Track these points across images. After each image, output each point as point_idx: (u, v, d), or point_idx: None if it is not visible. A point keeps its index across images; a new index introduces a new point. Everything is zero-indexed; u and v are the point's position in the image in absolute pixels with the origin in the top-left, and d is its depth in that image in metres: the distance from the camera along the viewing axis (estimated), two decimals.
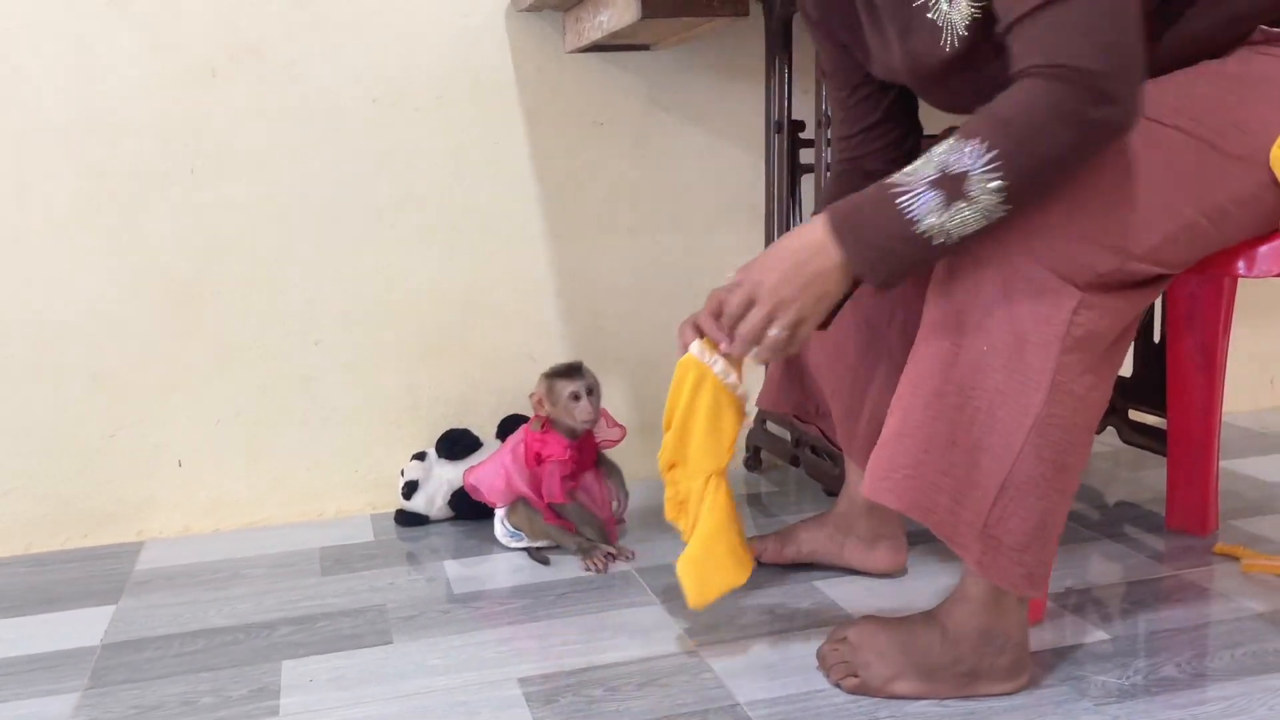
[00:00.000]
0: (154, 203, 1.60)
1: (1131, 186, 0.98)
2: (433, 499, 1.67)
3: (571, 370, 1.50)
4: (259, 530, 1.70)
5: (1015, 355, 0.96)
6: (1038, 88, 0.89)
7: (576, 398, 1.48)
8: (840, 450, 1.38)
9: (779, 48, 1.70)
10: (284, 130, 1.63)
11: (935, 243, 0.94)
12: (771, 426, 1.83)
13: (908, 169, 0.95)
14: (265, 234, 1.65)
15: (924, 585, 1.37)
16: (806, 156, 1.73)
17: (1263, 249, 1.05)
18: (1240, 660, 1.15)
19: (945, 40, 1.00)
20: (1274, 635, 1.20)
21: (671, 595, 1.37)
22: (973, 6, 0.96)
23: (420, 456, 1.69)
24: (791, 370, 1.40)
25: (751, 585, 1.37)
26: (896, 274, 0.97)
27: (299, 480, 1.72)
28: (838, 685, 1.11)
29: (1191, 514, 1.51)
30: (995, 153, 0.90)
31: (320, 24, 1.62)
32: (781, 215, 1.74)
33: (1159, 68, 1.10)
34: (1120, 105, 0.90)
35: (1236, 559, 1.42)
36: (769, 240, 1.80)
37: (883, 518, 1.36)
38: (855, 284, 1.02)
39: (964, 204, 0.92)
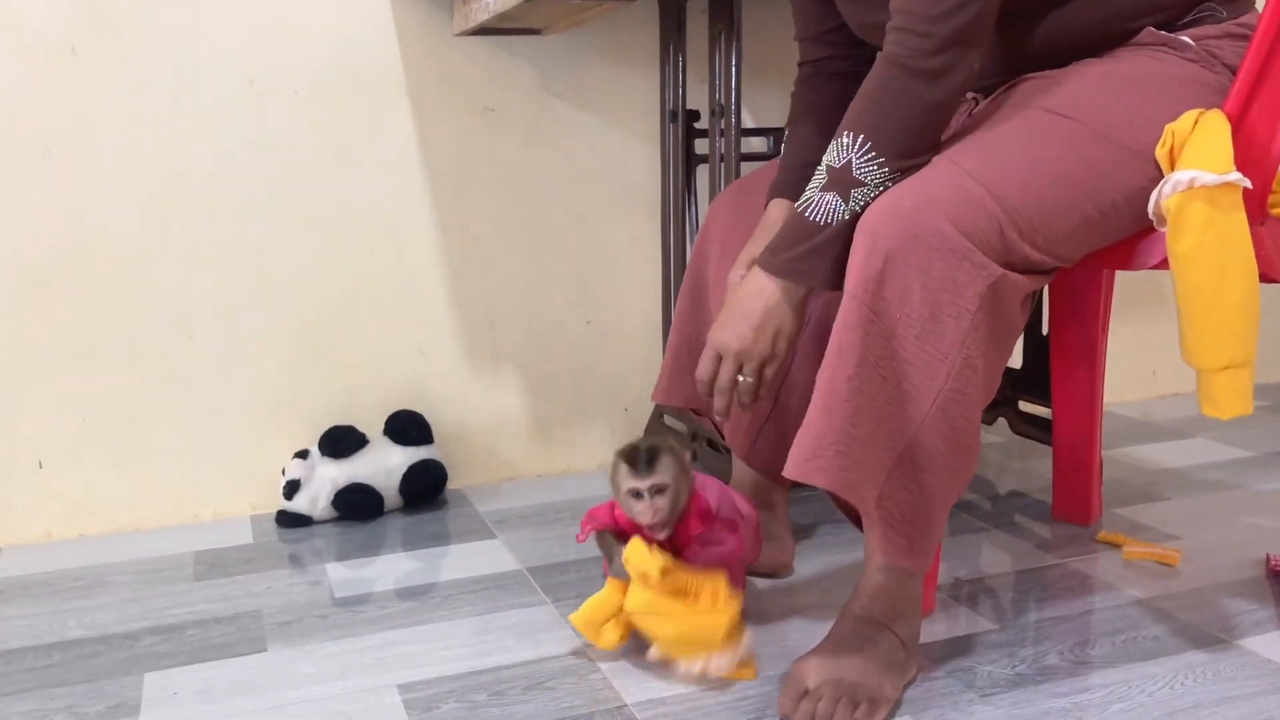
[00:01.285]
0: (6, 188, 1.50)
1: (1044, 174, 0.99)
2: (316, 499, 1.60)
3: (635, 458, 1.12)
4: (127, 535, 1.60)
5: (930, 326, 0.96)
6: (883, 64, 0.99)
7: (637, 496, 1.12)
8: (728, 442, 1.36)
9: (673, 35, 1.67)
10: (150, 112, 1.54)
11: (850, 223, 1.00)
12: (669, 420, 1.81)
13: (805, 190, 1.04)
14: (130, 222, 1.55)
15: (812, 581, 1.36)
16: (701, 146, 1.71)
17: (1143, 242, 1.06)
18: (1121, 647, 1.17)
19: None
20: (1152, 622, 1.22)
21: (561, 595, 1.33)
22: None
23: (303, 455, 1.62)
24: (684, 361, 1.38)
25: None
26: (834, 271, 1.02)
27: (171, 481, 1.63)
28: None
29: (1076, 503, 1.54)
30: (862, 136, 0.99)
31: (190, 2, 1.53)
32: (677, 205, 1.72)
33: (1044, 58, 1.11)
34: (962, 51, 0.97)
35: (1118, 546, 1.44)
36: (665, 231, 1.77)
37: (767, 516, 1.35)
38: (803, 307, 1.08)
39: (860, 189, 1.00)
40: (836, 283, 1.02)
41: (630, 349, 1.84)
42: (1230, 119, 0.98)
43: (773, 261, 1.06)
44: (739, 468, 1.35)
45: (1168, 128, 1.01)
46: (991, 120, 1.05)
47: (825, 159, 1.02)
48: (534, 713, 1.06)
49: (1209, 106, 1.01)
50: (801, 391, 1.32)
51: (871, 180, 0.99)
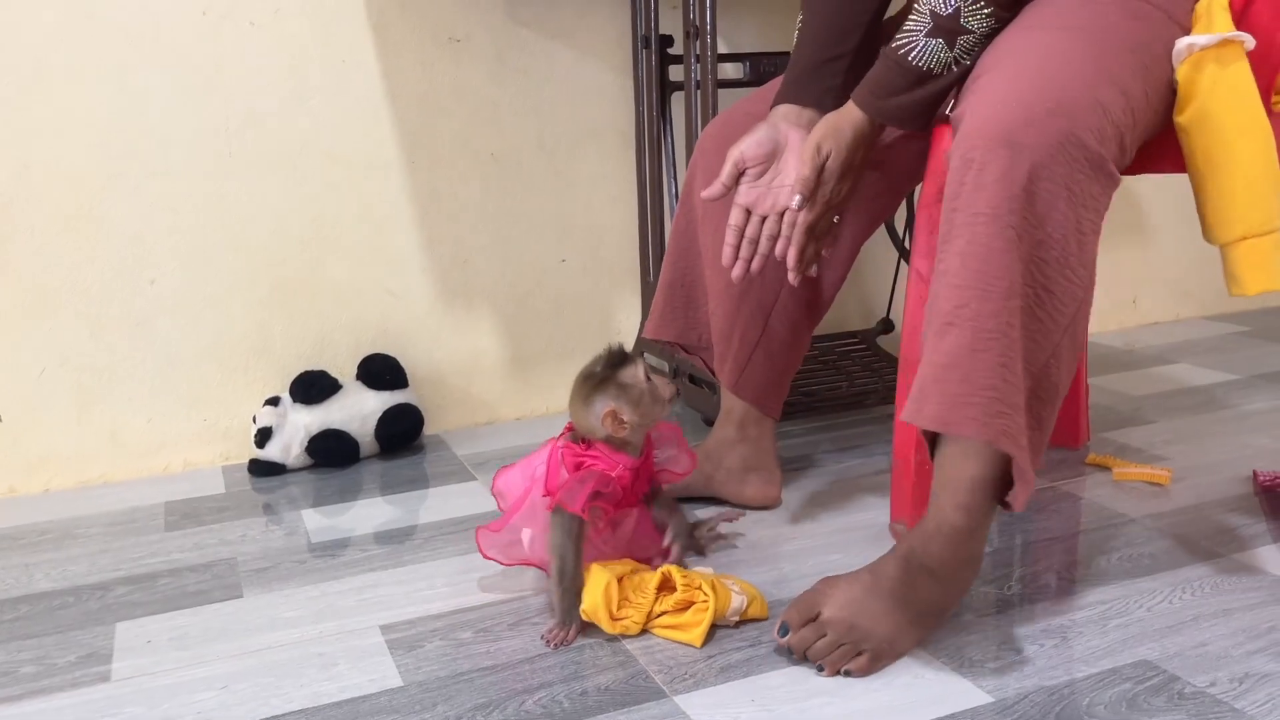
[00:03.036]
0: None
1: (1133, 63, 0.94)
2: (289, 446, 1.56)
3: (622, 356, 1.11)
4: (95, 488, 1.55)
5: (1073, 246, 0.89)
6: None
7: (650, 378, 1.09)
8: (718, 380, 1.32)
9: None
10: (100, 44, 1.47)
11: (954, 70, 1.02)
12: (649, 357, 1.77)
13: (904, 30, 1.02)
14: (83, 161, 1.49)
15: (804, 514, 1.33)
16: (676, 74, 1.65)
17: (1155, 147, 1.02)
18: (1117, 564, 1.15)
19: None
20: (1147, 539, 1.21)
21: None
22: None
23: (274, 401, 1.57)
24: (676, 297, 1.34)
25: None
26: (935, 109, 1.05)
27: (139, 433, 1.58)
28: (844, 673, 0.94)
29: (1064, 428, 1.52)
30: None
31: None
32: (652, 135, 1.67)
33: None
34: None
35: (1108, 469, 1.43)
36: (640, 162, 1.72)
37: (755, 448, 1.31)
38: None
39: (964, 36, 1.00)
40: (927, 126, 1.07)
41: (607, 285, 1.80)
42: (1234, 6, 0.95)
43: (881, 106, 1.05)
44: (727, 399, 1.32)
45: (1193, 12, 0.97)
46: (1055, 8, 0.98)
47: (927, 3, 1.00)
48: (521, 647, 1.03)
49: None
50: (794, 319, 1.28)
51: (980, 29, 0.99)
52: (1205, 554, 1.16)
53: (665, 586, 1.06)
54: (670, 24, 1.67)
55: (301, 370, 1.62)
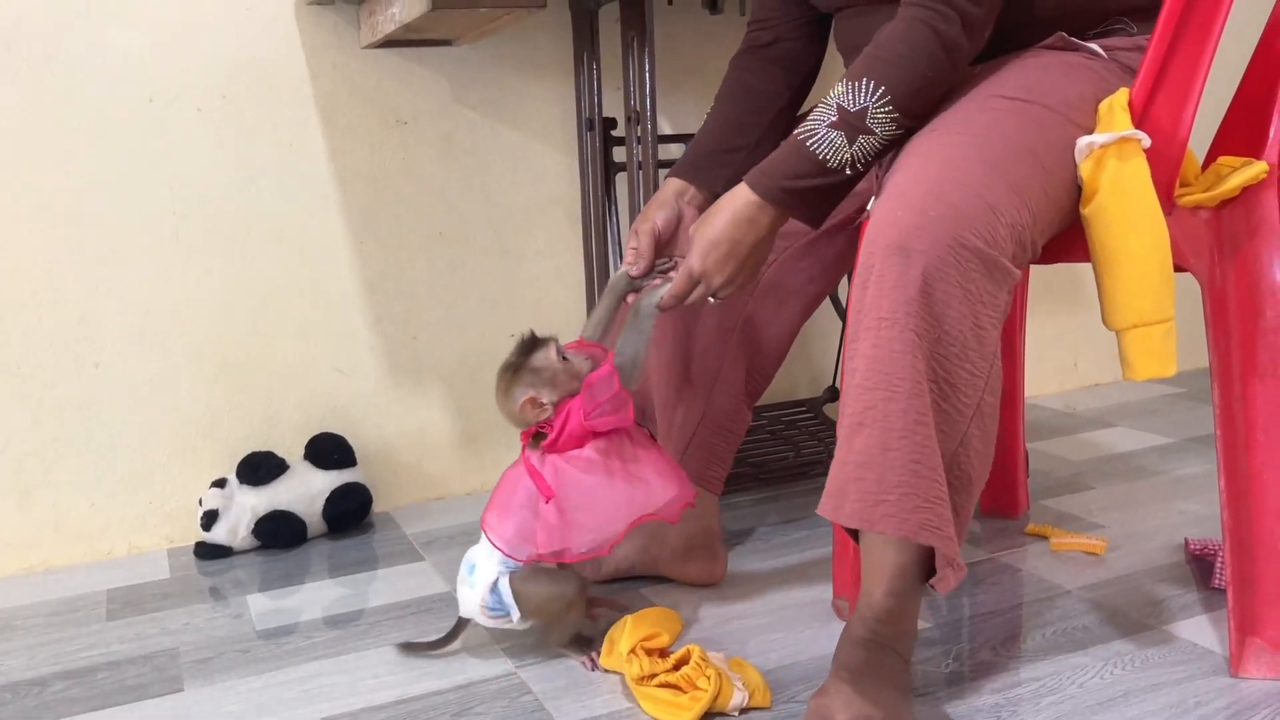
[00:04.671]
0: None
1: (1034, 164, 0.97)
2: (235, 529, 1.55)
3: (532, 343, 1.19)
4: (36, 575, 1.53)
5: (972, 340, 0.92)
6: (914, 24, 1.00)
7: (566, 357, 1.17)
8: None
9: (586, 43, 1.65)
10: (46, 132, 1.48)
11: (845, 171, 1.03)
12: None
13: (809, 120, 1.04)
14: (28, 246, 1.49)
15: (748, 591, 1.35)
16: (620, 154, 1.69)
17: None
18: (1051, 639, 1.17)
19: None
20: (1081, 612, 1.24)
21: None
22: None
23: (220, 483, 1.57)
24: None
25: None
26: (824, 206, 1.07)
27: (82, 516, 1.57)
28: None
29: (1003, 497, 1.55)
30: (884, 88, 1.00)
31: (85, 16, 1.47)
32: (597, 214, 1.70)
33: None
34: (977, 36, 1.02)
35: (1046, 538, 1.46)
36: (586, 239, 1.75)
37: (698, 526, 1.33)
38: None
39: (864, 136, 1.02)
40: (819, 222, 1.08)
41: None
42: (1135, 105, 0.99)
43: (773, 189, 1.05)
44: None
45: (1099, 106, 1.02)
46: (964, 116, 1.03)
47: (836, 98, 1.03)
48: None
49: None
50: (735, 396, 1.30)
51: (881, 134, 1.02)
52: (1137, 626, 1.19)
53: (683, 660, 1.08)
54: (613, 106, 1.71)
55: (249, 450, 1.61)
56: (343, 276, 1.66)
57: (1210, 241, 1.06)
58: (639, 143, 1.51)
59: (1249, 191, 1.04)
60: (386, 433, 1.72)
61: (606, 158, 1.67)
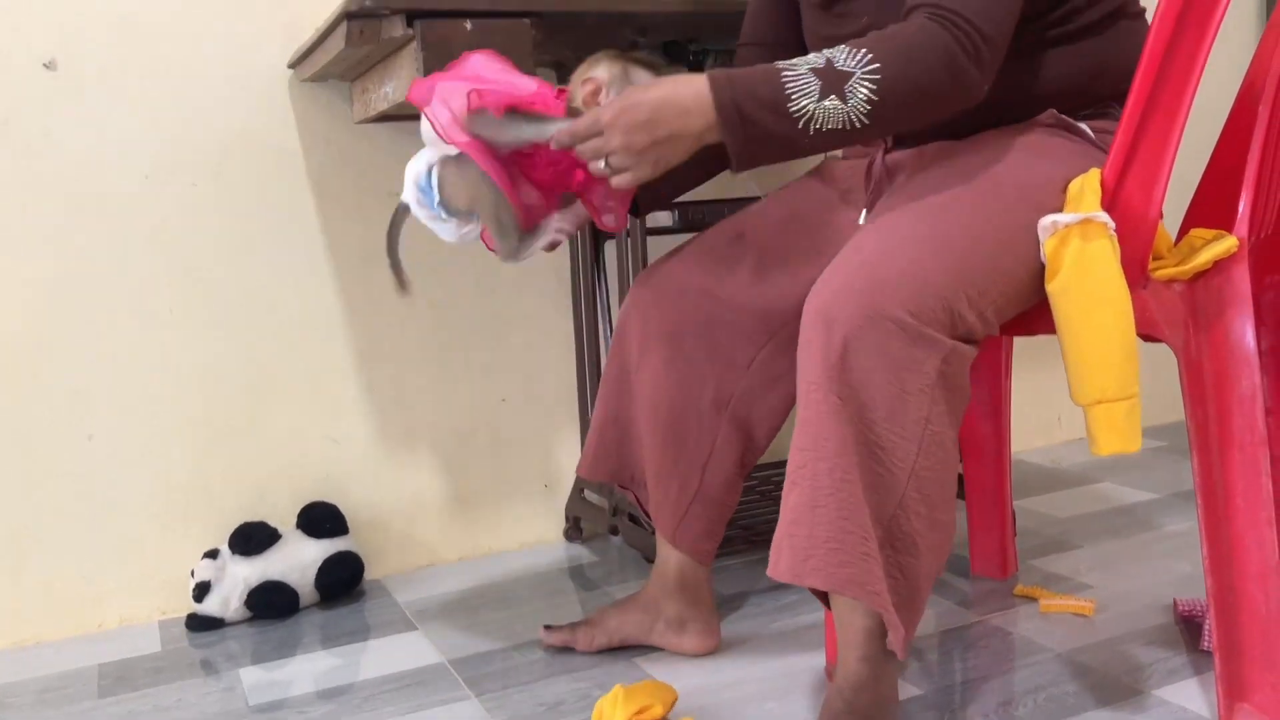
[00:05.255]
0: None
1: (981, 243, 1.01)
2: (228, 600, 1.55)
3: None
4: (27, 650, 1.53)
5: (897, 405, 0.95)
6: (928, 25, 0.99)
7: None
8: (653, 522, 1.35)
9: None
10: (41, 207, 1.50)
11: (798, 124, 0.99)
12: (590, 495, 1.80)
13: (797, 59, 1.01)
14: (22, 319, 1.50)
15: (741, 658, 1.35)
16: None
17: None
18: (1042, 705, 1.18)
19: None
20: (1070, 676, 1.25)
21: (486, 688, 1.30)
22: None
23: (212, 554, 1.57)
24: (609, 436, 1.37)
25: (565, 669, 1.33)
26: (756, 147, 1.00)
27: (74, 588, 1.56)
28: None
29: (992, 558, 1.56)
30: (878, 65, 0.98)
31: (79, 94, 1.50)
32: (587, 281, 1.72)
33: (953, 124, 1.15)
34: (984, 71, 1.01)
35: (1035, 600, 1.47)
36: (576, 304, 1.78)
37: (691, 598, 1.34)
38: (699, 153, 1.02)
39: (837, 100, 0.98)
40: (747, 164, 1.01)
41: (547, 423, 1.83)
42: (1106, 184, 1.03)
43: (726, 97, 0.99)
44: (663, 547, 1.35)
45: (1066, 191, 1.05)
46: (922, 191, 1.07)
47: (830, 52, 0.99)
48: None
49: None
50: (728, 471, 1.32)
51: (850, 104, 0.98)
52: (1127, 691, 1.20)
53: None
54: None
55: (241, 520, 1.62)
56: (334, 346, 1.68)
57: (1184, 314, 1.09)
58: None
59: (1221, 264, 1.08)
60: (378, 500, 1.73)
61: (594, 228, 1.70)
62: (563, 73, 1.70)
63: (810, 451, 0.96)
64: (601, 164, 1.04)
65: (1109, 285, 0.98)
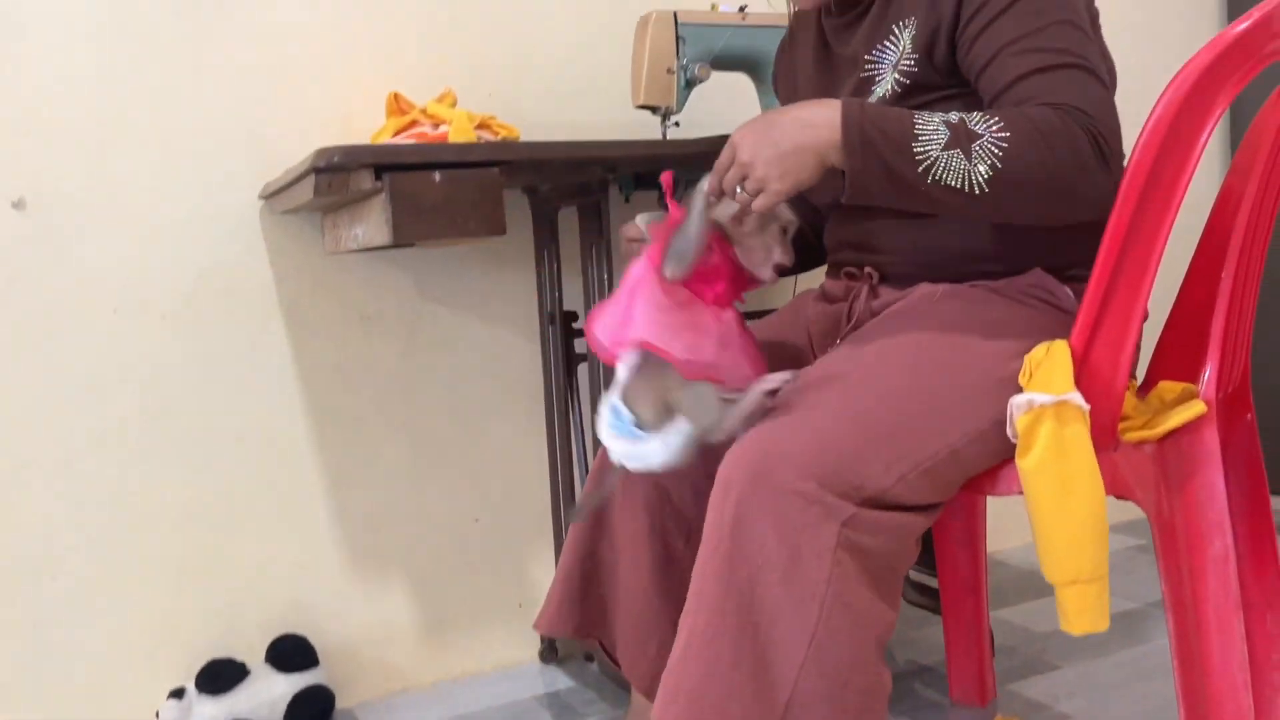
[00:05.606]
0: None
1: (913, 408, 1.02)
2: None
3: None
4: None
5: (792, 568, 0.96)
6: (1065, 117, 0.99)
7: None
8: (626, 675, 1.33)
9: (547, 240, 1.69)
10: (8, 343, 1.48)
11: (918, 168, 0.99)
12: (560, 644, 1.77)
13: (928, 111, 1.02)
14: None
15: None
16: (581, 345, 1.72)
17: (1004, 470, 1.09)
18: None
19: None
20: None
21: None
22: (897, 77, 1.09)
23: (178, 694, 1.54)
24: (575, 583, 1.35)
25: None
26: (872, 178, 1.00)
27: None
28: None
29: (970, 684, 1.55)
30: (1008, 135, 0.98)
31: (48, 234, 1.49)
32: (560, 405, 1.72)
33: (939, 256, 1.17)
34: (1111, 179, 1.00)
35: None
36: (550, 422, 1.77)
37: None
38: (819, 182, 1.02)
39: (961, 156, 0.98)
40: (860, 196, 1.02)
41: (521, 543, 1.81)
42: (1075, 351, 1.03)
43: (855, 117, 1.00)
44: (638, 700, 1.32)
45: (1026, 357, 1.06)
46: (860, 354, 1.08)
47: (966, 114, 1.00)
48: None
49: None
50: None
51: (975, 164, 0.98)
52: None
53: None
54: (574, 297, 1.74)
55: (209, 655, 1.59)
56: (305, 473, 1.66)
57: (1155, 475, 1.09)
58: None
59: (1190, 424, 1.08)
60: (349, 626, 1.70)
61: (568, 349, 1.70)
62: (534, 197, 1.71)
63: (693, 600, 0.99)
64: (739, 191, 1.04)
65: (1082, 471, 0.98)
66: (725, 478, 0.99)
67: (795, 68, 1.37)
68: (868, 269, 1.24)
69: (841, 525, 0.96)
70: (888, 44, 1.18)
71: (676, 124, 1.68)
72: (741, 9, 1.66)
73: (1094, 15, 1.14)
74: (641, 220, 1.17)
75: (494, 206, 1.28)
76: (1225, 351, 1.10)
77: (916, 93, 1.13)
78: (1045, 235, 1.15)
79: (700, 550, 1.00)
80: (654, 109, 1.65)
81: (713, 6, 1.68)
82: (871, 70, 1.19)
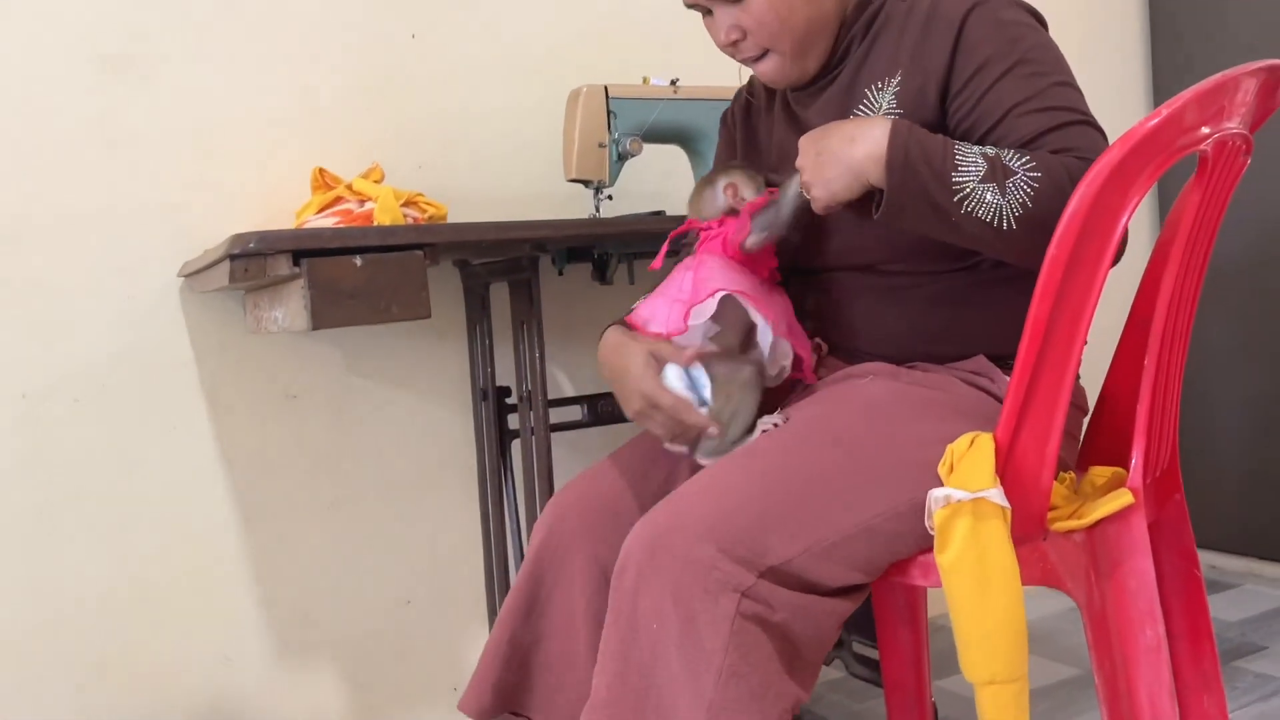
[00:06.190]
0: None
1: (820, 479, 1.00)
2: None
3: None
4: None
5: (687, 635, 0.94)
6: (1085, 165, 0.96)
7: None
8: None
9: (478, 313, 1.67)
10: None
11: (954, 196, 1.00)
12: None
13: (971, 144, 1.03)
14: None
15: None
16: (515, 421, 1.69)
17: (926, 559, 1.07)
18: None
19: None
20: None
21: None
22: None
23: None
24: (499, 662, 1.30)
25: None
26: (908, 198, 1.01)
27: None
28: None
29: None
30: (1040, 175, 0.99)
31: None
32: (493, 482, 1.68)
33: (883, 332, 1.17)
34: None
35: None
36: (483, 500, 1.72)
37: None
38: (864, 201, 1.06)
39: (996, 190, 0.99)
40: (896, 218, 1.03)
41: (455, 625, 1.76)
42: (1000, 444, 1.02)
43: (902, 137, 1.01)
44: None
45: (949, 446, 1.05)
46: (783, 427, 1.08)
47: (1003, 150, 1.01)
48: None
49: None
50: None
51: (1009, 200, 0.99)
52: None
53: None
54: (507, 372, 1.71)
55: None
56: (228, 559, 1.60)
57: (1085, 564, 1.08)
58: (532, 413, 1.51)
59: (1118, 513, 1.07)
60: (277, 719, 1.64)
61: (501, 425, 1.67)
62: (465, 270, 1.69)
63: (598, 676, 0.99)
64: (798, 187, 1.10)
65: (1000, 570, 0.97)
66: (627, 547, 0.99)
67: (757, 131, 1.36)
68: (817, 339, 1.25)
69: (741, 594, 0.95)
70: (861, 110, 1.17)
71: (609, 197, 1.67)
72: (673, 82, 1.67)
73: None
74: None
75: (417, 290, 1.26)
76: (1151, 437, 1.10)
77: None
78: (993, 321, 1.15)
79: (605, 622, 1.00)
80: (586, 182, 1.64)
81: (644, 79, 1.67)
82: None
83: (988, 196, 1.00)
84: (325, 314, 1.21)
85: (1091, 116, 1.07)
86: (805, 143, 1.08)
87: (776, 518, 0.98)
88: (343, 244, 1.22)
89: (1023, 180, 1.00)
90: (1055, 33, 1.15)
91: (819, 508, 1.00)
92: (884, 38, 1.17)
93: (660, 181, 1.80)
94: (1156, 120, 0.93)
